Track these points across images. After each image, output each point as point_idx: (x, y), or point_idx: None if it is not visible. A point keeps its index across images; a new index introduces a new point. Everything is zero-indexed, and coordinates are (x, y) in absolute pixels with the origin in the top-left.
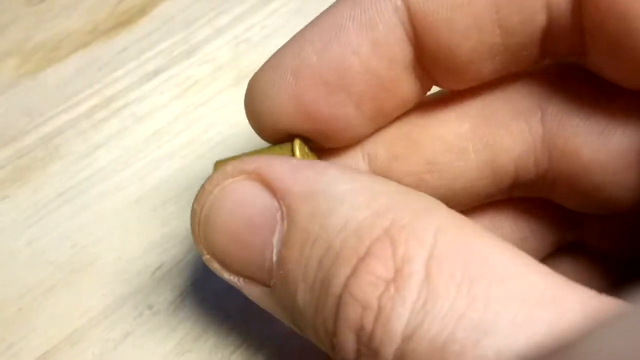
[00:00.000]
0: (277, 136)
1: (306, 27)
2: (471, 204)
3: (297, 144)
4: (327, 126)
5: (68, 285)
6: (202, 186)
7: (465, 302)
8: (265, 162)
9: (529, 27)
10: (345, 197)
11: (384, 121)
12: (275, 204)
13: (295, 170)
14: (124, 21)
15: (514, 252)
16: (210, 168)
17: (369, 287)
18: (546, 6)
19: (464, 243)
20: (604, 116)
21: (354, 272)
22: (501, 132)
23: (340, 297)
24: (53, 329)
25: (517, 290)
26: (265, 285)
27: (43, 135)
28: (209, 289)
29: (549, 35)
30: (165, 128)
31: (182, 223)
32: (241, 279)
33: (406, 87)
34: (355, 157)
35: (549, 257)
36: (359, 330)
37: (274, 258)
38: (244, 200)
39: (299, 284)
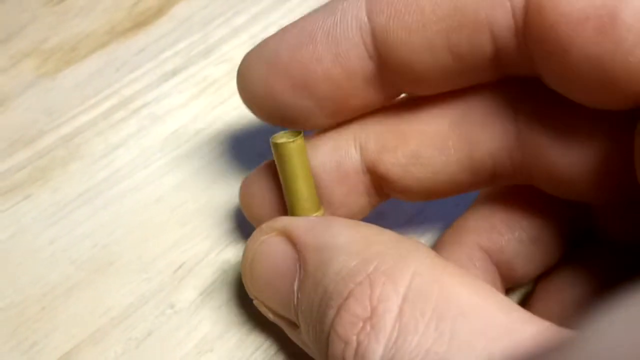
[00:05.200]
0: (266, 111)
1: (292, 23)
2: (455, 194)
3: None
4: (291, 113)
5: (90, 284)
6: (247, 243)
7: (432, 338)
8: (290, 221)
9: (477, 55)
10: (344, 247)
11: (344, 118)
12: (296, 255)
13: (311, 225)
14: (141, 22)
15: (481, 288)
16: (227, 166)
17: (349, 325)
18: (492, 39)
19: (437, 284)
20: (570, 122)
21: (337, 312)
22: (477, 129)
23: (329, 335)
24: (75, 328)
25: (479, 325)
26: (297, 326)
27: (63, 136)
28: (230, 288)
29: (501, 61)
30: (183, 128)
31: (201, 223)
32: (283, 322)
33: (366, 95)
34: (349, 148)
35: (569, 257)
36: None
37: (295, 302)
38: (275, 253)
39: (309, 323)
